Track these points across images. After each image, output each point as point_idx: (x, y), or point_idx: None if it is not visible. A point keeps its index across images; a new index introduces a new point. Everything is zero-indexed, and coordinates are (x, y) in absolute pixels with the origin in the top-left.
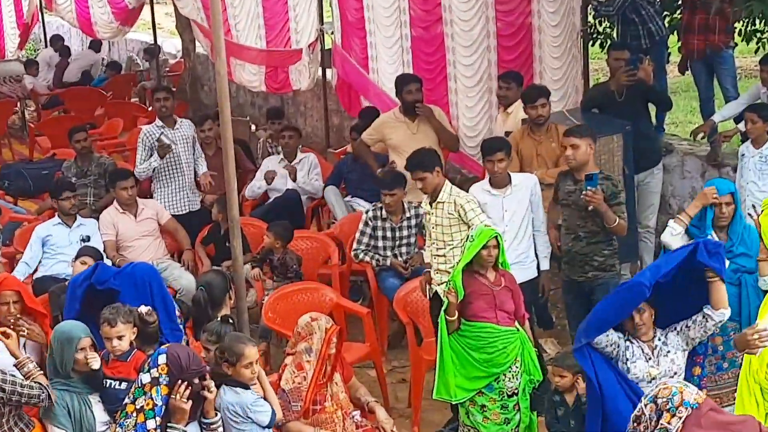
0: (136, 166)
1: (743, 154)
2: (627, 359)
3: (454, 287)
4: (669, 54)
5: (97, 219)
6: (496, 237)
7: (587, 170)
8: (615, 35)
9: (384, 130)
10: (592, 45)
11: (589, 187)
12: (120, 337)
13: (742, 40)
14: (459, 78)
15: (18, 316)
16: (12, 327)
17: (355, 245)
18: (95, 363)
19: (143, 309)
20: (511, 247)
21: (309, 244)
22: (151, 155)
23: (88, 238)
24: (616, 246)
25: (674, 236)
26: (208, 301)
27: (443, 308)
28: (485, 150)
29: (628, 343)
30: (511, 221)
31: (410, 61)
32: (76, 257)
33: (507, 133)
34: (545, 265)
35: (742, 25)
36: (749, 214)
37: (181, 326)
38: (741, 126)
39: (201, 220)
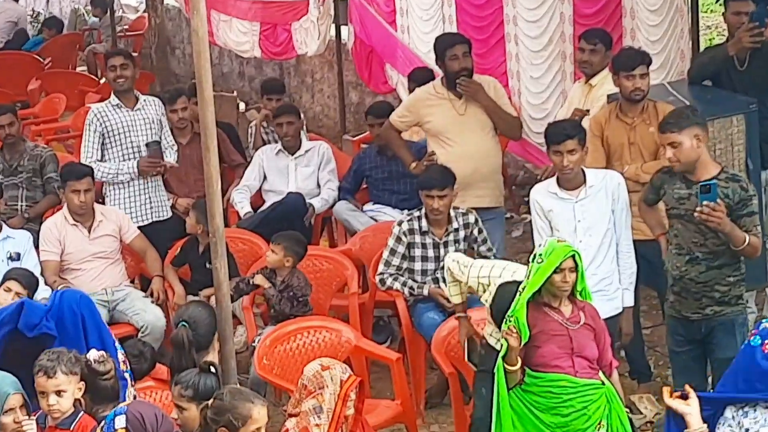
0: (83, 158)
1: None
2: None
3: (516, 325)
4: None
5: (30, 230)
6: (573, 256)
7: (702, 170)
8: None
9: (421, 110)
10: None
11: (705, 202)
12: (60, 393)
13: None
14: (521, 39)
15: None
16: None
17: (381, 267)
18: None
19: (94, 354)
20: (588, 270)
21: (318, 266)
22: (103, 145)
23: (18, 256)
24: (744, 271)
25: None
26: (193, 343)
27: (501, 354)
28: (551, 137)
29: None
30: (587, 235)
31: (453, 16)
32: None
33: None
34: (628, 301)
35: None
36: None
37: (127, 375)
38: None
39: (171, 233)
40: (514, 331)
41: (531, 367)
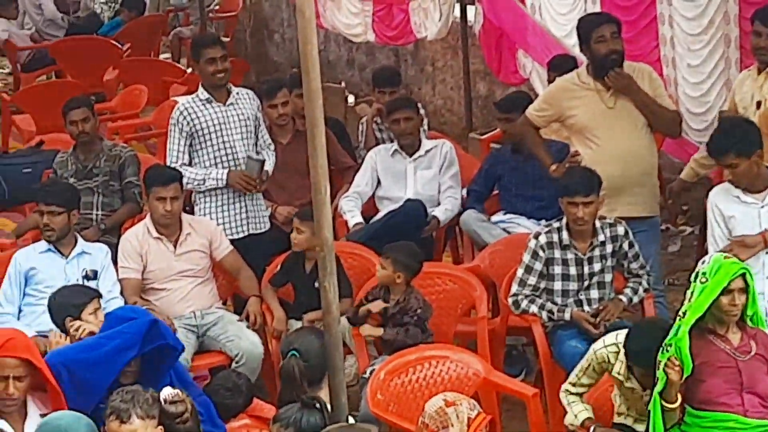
0: (169, 162)
1: None
2: None
3: (678, 356)
4: None
5: (108, 243)
6: (744, 275)
7: None
8: None
9: (563, 103)
10: None
11: None
12: None
13: None
14: (677, 20)
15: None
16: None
17: (515, 288)
18: None
19: (167, 392)
20: None
21: (441, 286)
22: (191, 146)
23: (95, 275)
24: None
25: None
26: (305, 375)
27: (658, 389)
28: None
29: None
30: None
31: None
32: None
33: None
34: None
35: None
36: None
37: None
38: None
39: (269, 248)
40: (677, 363)
41: (693, 405)
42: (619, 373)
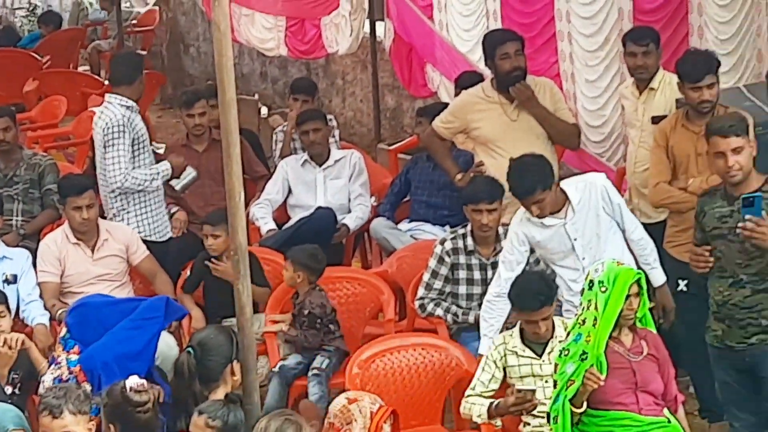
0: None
1: None
2: None
3: (598, 366)
4: None
5: (27, 248)
6: (639, 281)
7: (746, 182)
8: None
9: (468, 115)
10: None
11: (748, 216)
12: None
13: None
14: (575, 37)
15: None
16: None
17: (421, 291)
18: None
19: (133, 381)
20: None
21: (350, 289)
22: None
23: (15, 279)
24: None
25: None
26: (195, 372)
27: (569, 396)
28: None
29: None
30: (588, 249)
31: (498, 12)
32: None
33: (655, 120)
34: (660, 278)
35: None
36: None
37: None
38: None
39: (184, 252)
40: (597, 375)
41: (591, 405)
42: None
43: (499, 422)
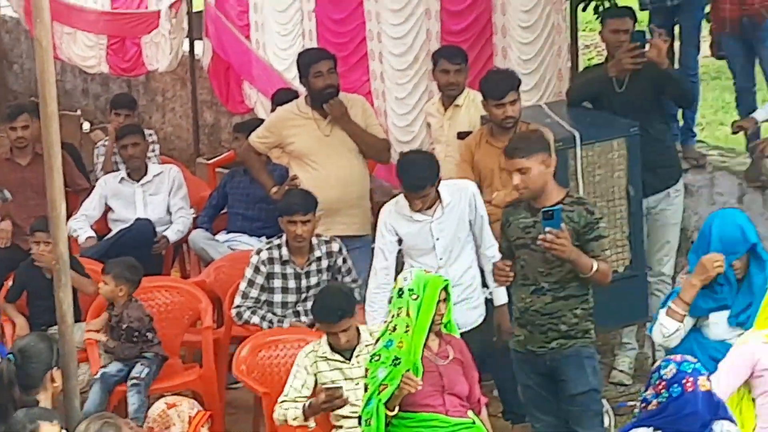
0: None
1: None
2: None
3: (415, 371)
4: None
5: None
6: (446, 287)
7: (548, 196)
8: None
9: (283, 131)
10: (584, 9)
11: (548, 228)
12: None
13: None
14: (386, 56)
15: None
16: None
17: (238, 300)
18: None
19: None
20: (455, 280)
21: (168, 298)
22: None
23: None
24: (593, 303)
25: (669, 337)
26: (15, 378)
27: (379, 399)
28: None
29: None
30: (447, 251)
31: (314, 32)
32: None
33: (460, 135)
34: (502, 298)
35: None
36: None
37: None
38: None
39: (8, 263)
40: (415, 379)
41: (401, 407)
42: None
43: (313, 423)
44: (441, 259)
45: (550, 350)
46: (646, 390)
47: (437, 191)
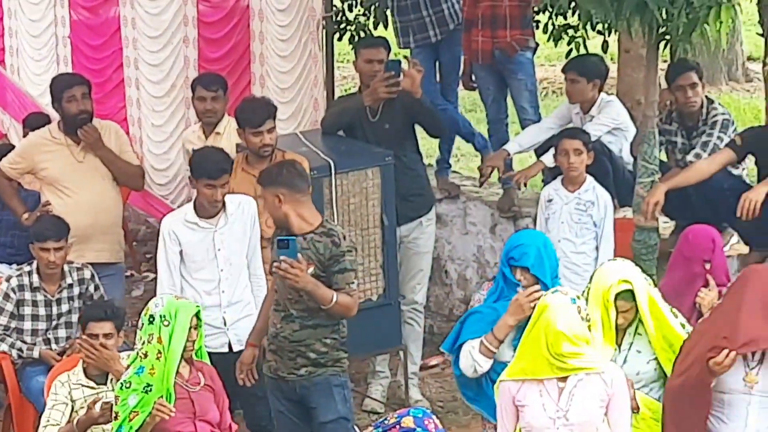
0: None
1: (551, 200)
2: None
3: (167, 397)
4: None
5: None
6: (197, 314)
7: (300, 224)
8: (375, 25)
9: (35, 156)
10: (339, 39)
11: (282, 257)
12: None
13: (548, 40)
14: (143, 83)
15: None
16: None
17: None
18: None
19: None
20: (227, 297)
21: None
22: None
23: None
24: (345, 332)
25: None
26: None
27: (130, 426)
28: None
29: None
30: (227, 264)
31: (69, 58)
32: None
33: None
34: None
35: (548, 18)
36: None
37: None
38: (547, 160)
39: None
40: (166, 405)
41: None
42: None
43: None
44: (222, 270)
45: (299, 377)
46: None
47: (224, 202)
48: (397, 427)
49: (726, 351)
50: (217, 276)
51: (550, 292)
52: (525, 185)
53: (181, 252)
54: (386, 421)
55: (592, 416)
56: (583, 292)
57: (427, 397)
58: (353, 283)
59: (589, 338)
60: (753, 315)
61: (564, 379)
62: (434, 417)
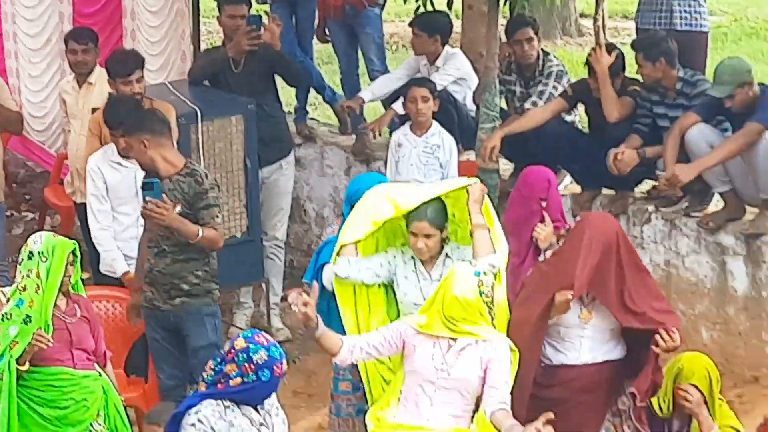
0: None
1: (400, 144)
2: None
3: (45, 328)
4: None
5: None
6: (74, 251)
7: (166, 168)
8: None
9: None
10: None
11: (148, 198)
12: None
13: None
14: (20, 37)
15: None
16: None
17: None
18: None
19: None
20: None
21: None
22: None
23: None
24: (215, 266)
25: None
26: None
27: (11, 355)
28: None
29: None
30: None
31: None
32: None
33: (94, 111)
34: None
35: None
36: None
37: None
38: (397, 107)
39: None
40: (45, 335)
41: (32, 362)
42: None
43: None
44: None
45: (173, 306)
46: (224, 363)
47: None
48: (232, 351)
49: (567, 293)
50: (137, 210)
51: (464, 263)
52: (380, 134)
53: (106, 188)
54: (221, 351)
55: (470, 375)
56: (495, 270)
57: (287, 326)
58: (218, 217)
59: (482, 309)
60: (589, 260)
61: (455, 339)
62: (263, 333)
